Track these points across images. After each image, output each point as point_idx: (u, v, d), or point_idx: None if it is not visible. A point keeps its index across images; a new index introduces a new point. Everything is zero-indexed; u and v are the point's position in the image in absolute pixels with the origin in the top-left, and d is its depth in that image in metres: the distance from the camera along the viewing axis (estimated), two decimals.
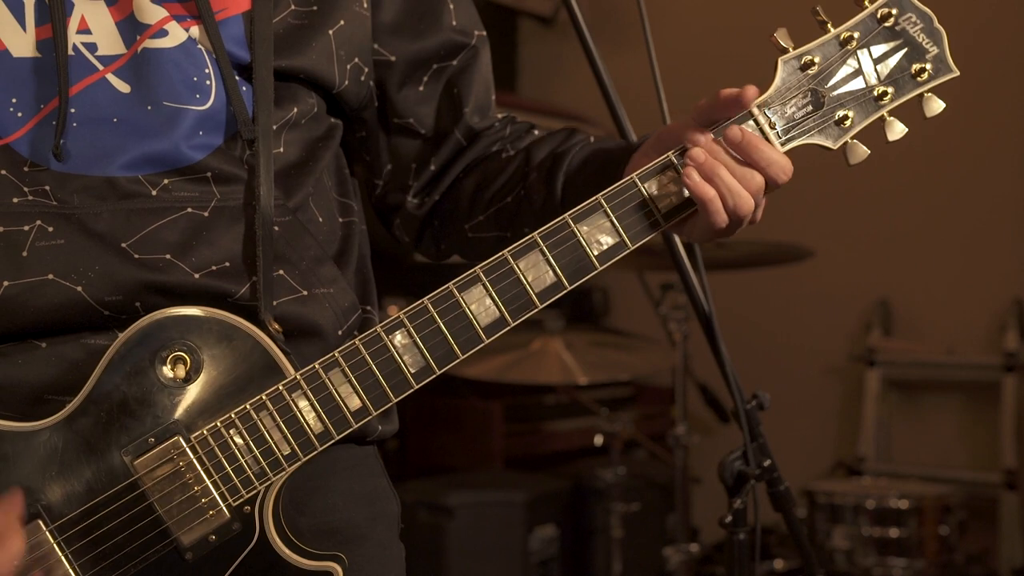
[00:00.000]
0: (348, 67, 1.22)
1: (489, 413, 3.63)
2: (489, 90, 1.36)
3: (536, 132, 1.36)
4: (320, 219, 1.22)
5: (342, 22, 1.21)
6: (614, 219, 1.11)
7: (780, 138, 1.13)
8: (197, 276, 1.10)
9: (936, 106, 1.15)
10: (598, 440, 3.33)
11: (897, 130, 1.15)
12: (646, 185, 1.11)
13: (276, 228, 1.14)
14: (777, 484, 1.49)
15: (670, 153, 1.12)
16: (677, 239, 1.44)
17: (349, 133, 1.31)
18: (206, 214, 1.12)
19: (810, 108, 1.14)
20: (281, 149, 1.17)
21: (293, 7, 1.19)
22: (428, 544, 3.07)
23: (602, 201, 1.11)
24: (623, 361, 3.60)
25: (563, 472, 3.55)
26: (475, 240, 1.34)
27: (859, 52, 1.15)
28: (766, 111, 1.13)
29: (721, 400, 3.53)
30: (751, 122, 1.13)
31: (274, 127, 1.16)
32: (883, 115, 1.15)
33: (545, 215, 1.25)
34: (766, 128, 1.13)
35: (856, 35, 1.14)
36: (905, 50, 1.15)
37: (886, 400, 3.93)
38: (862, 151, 1.15)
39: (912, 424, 3.97)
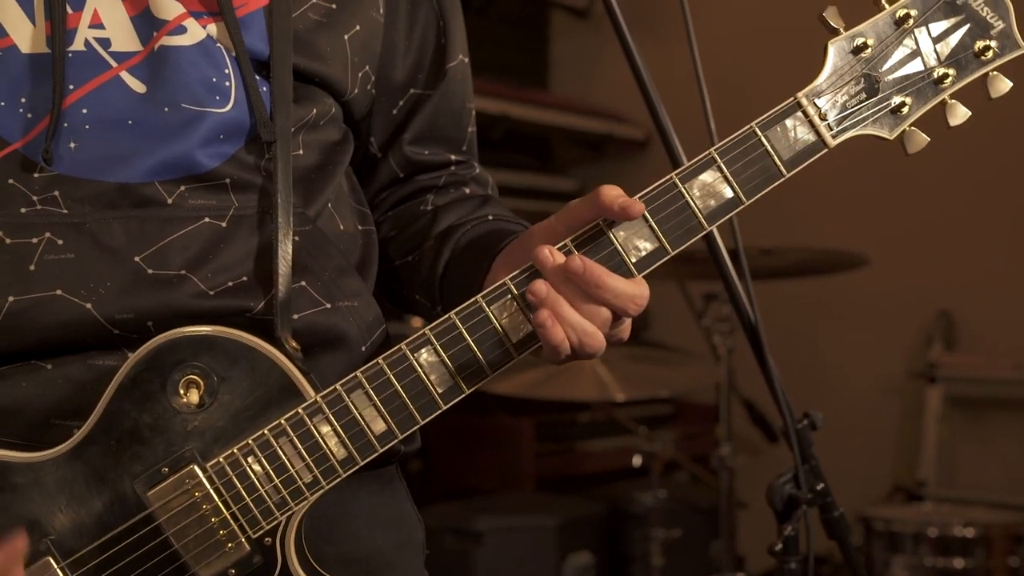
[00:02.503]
0: (359, 75, 1.24)
1: (519, 432, 3.63)
2: (455, 120, 1.35)
3: (466, 191, 1.35)
4: (341, 227, 1.23)
5: (358, 27, 1.22)
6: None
7: (831, 130, 1.12)
8: (213, 293, 1.10)
9: (1003, 86, 1.13)
10: (636, 461, 3.32)
11: (959, 114, 1.13)
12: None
13: (296, 238, 1.14)
14: (831, 510, 1.47)
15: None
16: (722, 245, 1.43)
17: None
18: (224, 224, 1.12)
19: (864, 96, 1.12)
20: (300, 151, 1.18)
21: (313, 1, 1.19)
22: (454, 572, 3.07)
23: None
24: (663, 376, 3.59)
25: (598, 495, 3.54)
26: (387, 291, 1.35)
27: (916, 31, 1.12)
28: (816, 101, 1.11)
29: (769, 419, 3.51)
30: (799, 113, 1.11)
31: (292, 128, 1.16)
32: (944, 98, 1.13)
33: (427, 290, 1.27)
34: (816, 120, 1.11)
35: (913, 12, 1.12)
36: (967, 26, 1.13)
37: (948, 419, 3.88)
38: (921, 139, 1.13)
39: (977, 445, 3.92)
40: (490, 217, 1.29)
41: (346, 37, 1.21)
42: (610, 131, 4.45)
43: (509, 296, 1.08)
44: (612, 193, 1.06)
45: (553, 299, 1.06)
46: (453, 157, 1.37)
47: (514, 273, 1.09)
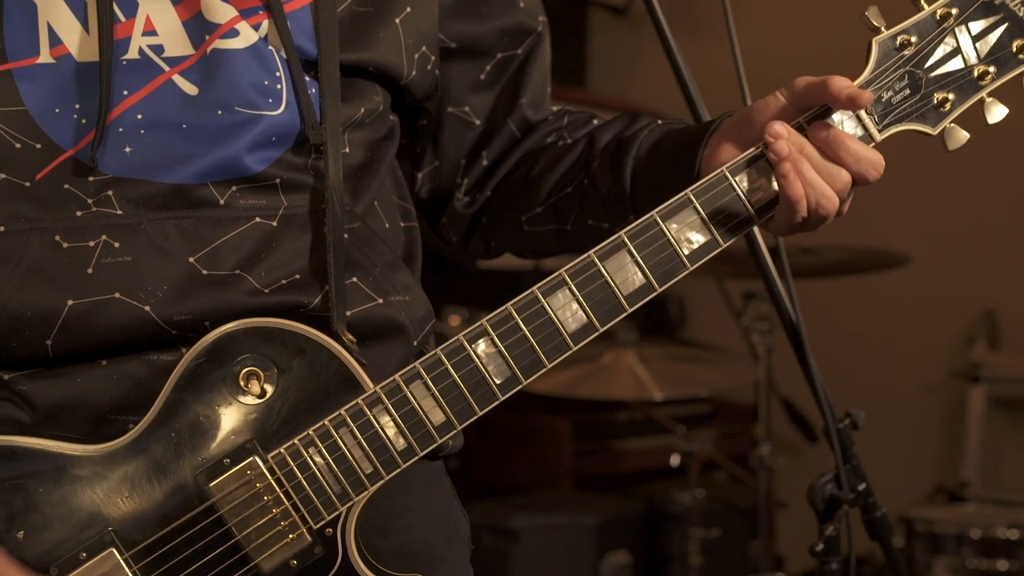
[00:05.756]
0: (416, 56, 1.24)
1: (557, 430, 3.63)
2: (546, 81, 1.38)
3: (596, 121, 1.37)
4: (386, 224, 1.25)
5: (408, 9, 1.23)
6: (704, 215, 1.12)
7: (878, 125, 1.15)
8: (267, 291, 1.12)
9: None
10: (674, 460, 3.31)
11: (997, 112, 1.16)
12: (736, 179, 1.12)
13: (346, 235, 1.15)
14: (873, 510, 1.46)
15: (757, 148, 1.13)
16: (762, 242, 1.42)
17: (406, 123, 1.33)
18: (274, 223, 1.13)
19: (908, 92, 1.15)
20: (347, 150, 1.19)
21: None
22: (491, 570, 3.08)
23: (691, 196, 1.12)
24: (701, 375, 3.58)
25: (636, 494, 3.54)
26: (531, 234, 1.35)
27: (957, 29, 1.15)
28: None
29: (808, 418, 3.48)
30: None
31: (340, 128, 1.17)
32: (982, 96, 1.16)
33: (611, 204, 1.26)
34: (863, 114, 1.14)
35: (954, 11, 1.15)
36: (1005, 25, 1.16)
37: (992, 420, 3.84)
38: (962, 136, 1.16)
39: (1021, 447, 3.87)
40: (658, 122, 1.29)
41: (397, 21, 1.21)
42: None
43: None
44: (841, 83, 1.10)
45: (795, 157, 1.10)
46: (554, 109, 1.38)
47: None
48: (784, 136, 1.10)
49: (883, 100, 1.14)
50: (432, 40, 1.26)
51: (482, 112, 1.34)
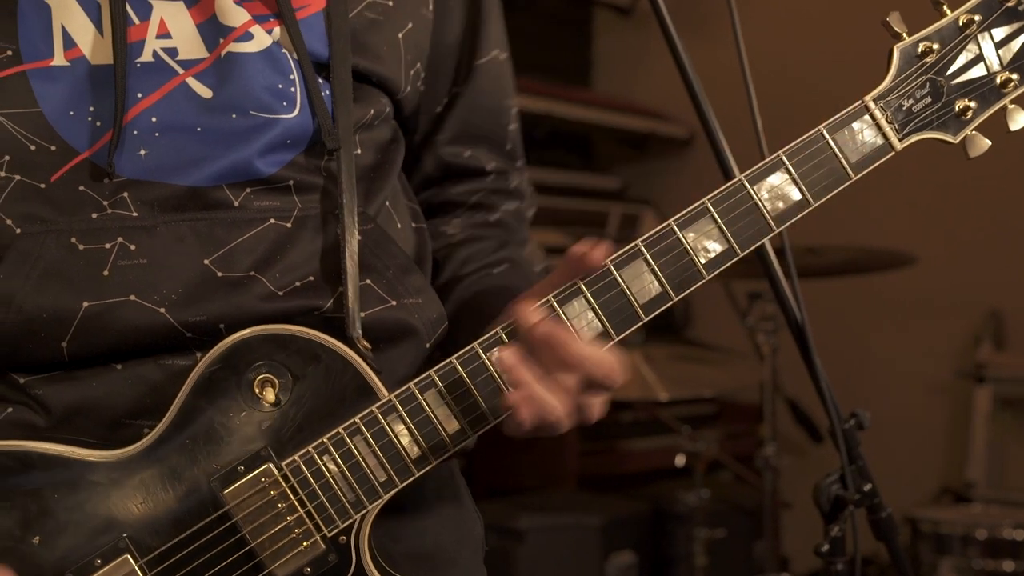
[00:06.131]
0: (411, 73, 1.25)
1: None
2: (492, 118, 1.35)
3: (490, 218, 1.35)
4: (398, 226, 1.25)
5: (410, 25, 1.24)
6: (722, 224, 1.11)
7: (898, 133, 1.14)
8: (281, 293, 1.12)
9: None
10: (679, 461, 3.32)
11: (1020, 120, 1.15)
12: (755, 188, 1.11)
13: (359, 237, 1.15)
14: (878, 510, 1.46)
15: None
16: (767, 242, 1.42)
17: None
18: (289, 225, 1.14)
19: (929, 99, 1.14)
20: (358, 151, 1.19)
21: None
22: (496, 571, 3.06)
23: (709, 205, 1.11)
24: (707, 376, 3.58)
25: (641, 494, 3.55)
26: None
27: (979, 36, 1.14)
28: (882, 104, 1.13)
29: (813, 418, 3.48)
30: (867, 117, 1.13)
31: (352, 130, 1.17)
32: (1005, 104, 1.15)
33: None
34: (883, 123, 1.13)
35: (976, 17, 1.14)
36: None
37: (998, 420, 3.83)
38: (983, 143, 1.15)
39: None
40: (495, 271, 1.29)
41: (400, 35, 1.22)
42: (653, 129, 4.44)
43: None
44: (576, 250, 1.06)
45: (517, 371, 1.04)
46: (491, 165, 1.36)
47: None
48: (522, 329, 1.04)
49: (904, 108, 1.13)
50: (424, 58, 1.27)
51: (416, 139, 1.33)
